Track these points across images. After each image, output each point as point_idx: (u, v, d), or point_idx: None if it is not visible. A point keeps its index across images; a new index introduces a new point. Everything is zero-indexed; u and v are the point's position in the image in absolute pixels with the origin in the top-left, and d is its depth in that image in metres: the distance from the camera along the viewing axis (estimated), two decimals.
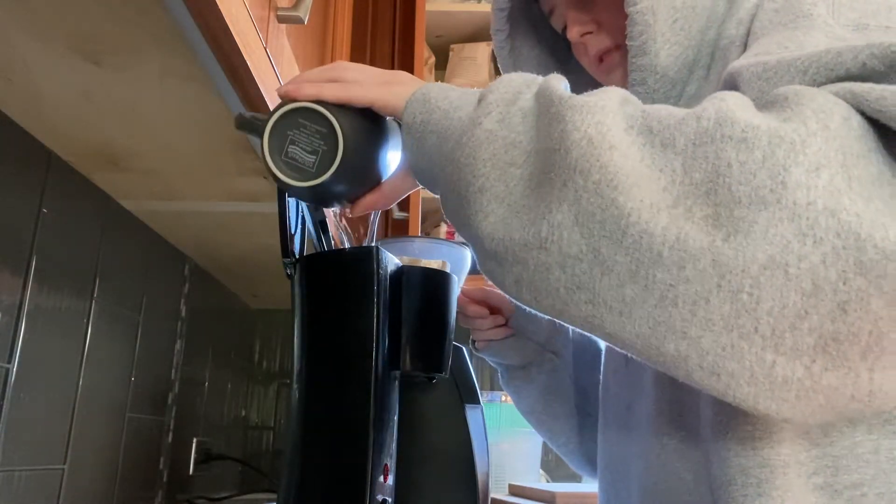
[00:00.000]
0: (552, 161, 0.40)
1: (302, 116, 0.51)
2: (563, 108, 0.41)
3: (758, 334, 0.35)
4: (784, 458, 0.43)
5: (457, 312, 0.86)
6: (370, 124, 0.53)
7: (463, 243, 0.94)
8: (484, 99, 0.46)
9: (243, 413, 1.69)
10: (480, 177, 0.43)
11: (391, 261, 0.65)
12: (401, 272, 0.65)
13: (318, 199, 0.57)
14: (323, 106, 0.50)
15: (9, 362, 0.75)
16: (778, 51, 0.45)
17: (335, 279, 0.64)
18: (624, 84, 0.61)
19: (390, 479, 0.62)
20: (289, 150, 0.51)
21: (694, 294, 0.36)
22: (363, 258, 0.62)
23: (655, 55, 0.58)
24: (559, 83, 0.45)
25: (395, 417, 0.65)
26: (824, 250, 0.34)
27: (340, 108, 0.51)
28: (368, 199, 0.57)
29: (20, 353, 0.76)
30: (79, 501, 0.89)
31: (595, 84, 0.62)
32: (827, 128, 0.35)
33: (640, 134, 0.39)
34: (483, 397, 1.02)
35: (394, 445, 0.63)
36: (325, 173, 0.50)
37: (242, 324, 1.68)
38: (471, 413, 0.85)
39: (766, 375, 0.35)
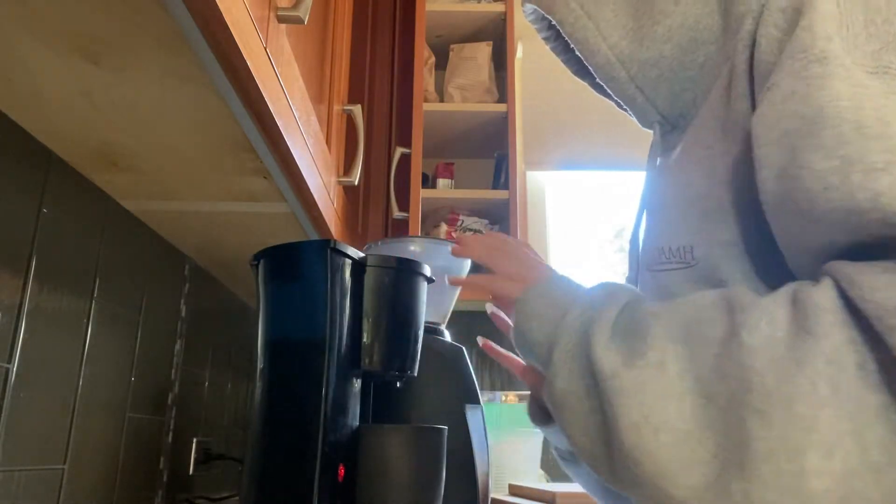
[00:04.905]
0: (611, 443, 0.44)
1: None
2: (609, 391, 0.44)
3: None
4: None
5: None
6: None
7: None
8: (553, 351, 0.50)
9: (243, 413, 1.69)
10: (569, 435, 0.48)
11: (353, 254, 0.62)
12: (361, 267, 0.62)
13: None
14: None
15: (9, 362, 0.75)
16: (795, 124, 0.42)
17: (288, 274, 0.62)
18: None
19: (351, 481, 0.59)
20: None
21: None
22: (314, 252, 0.60)
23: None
24: (604, 335, 0.47)
25: (357, 420, 0.62)
26: None
27: None
28: None
29: (20, 353, 0.76)
30: (79, 501, 0.89)
31: None
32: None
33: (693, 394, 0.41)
34: (483, 397, 1.02)
35: (357, 447, 0.60)
36: None
37: (242, 324, 1.68)
38: (471, 413, 0.85)
39: None
